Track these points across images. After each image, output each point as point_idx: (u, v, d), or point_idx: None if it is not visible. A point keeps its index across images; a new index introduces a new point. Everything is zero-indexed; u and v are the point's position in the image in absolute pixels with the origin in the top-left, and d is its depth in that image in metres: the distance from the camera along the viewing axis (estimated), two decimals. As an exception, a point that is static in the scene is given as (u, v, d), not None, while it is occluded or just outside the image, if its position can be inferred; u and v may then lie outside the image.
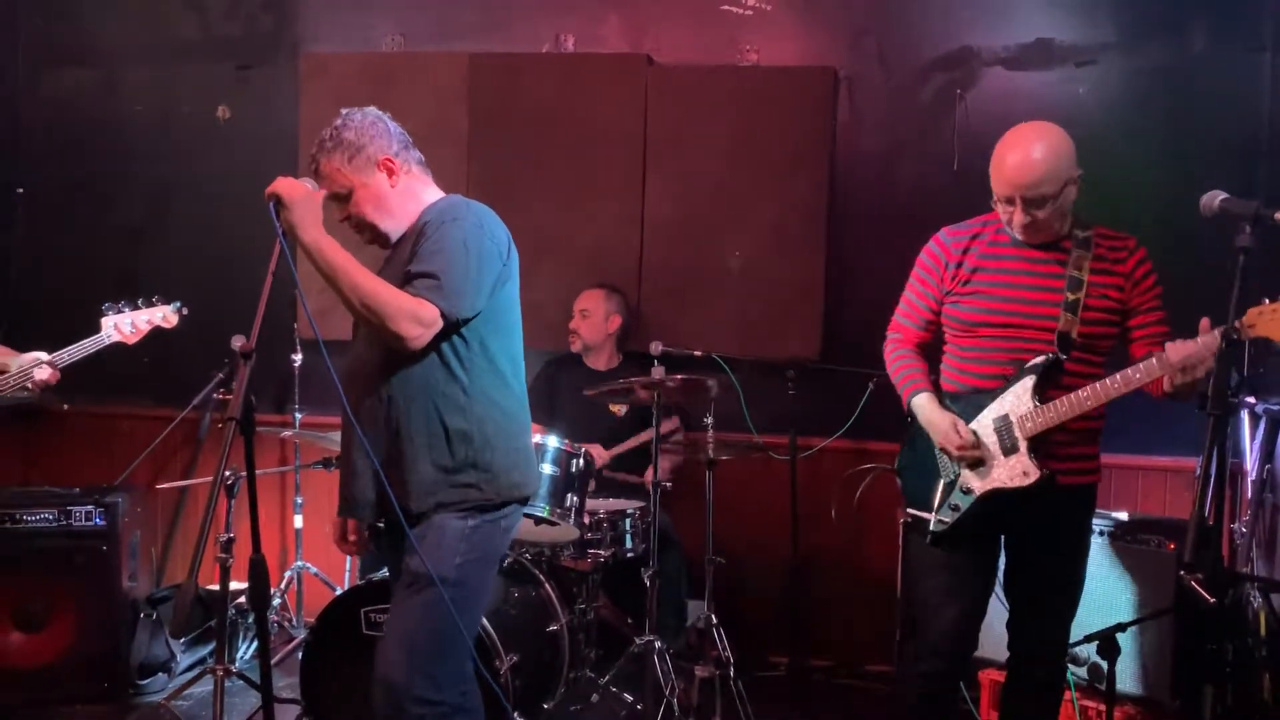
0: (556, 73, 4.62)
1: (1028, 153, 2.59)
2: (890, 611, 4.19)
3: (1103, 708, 3.03)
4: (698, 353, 4.14)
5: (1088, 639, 2.97)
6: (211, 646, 4.19)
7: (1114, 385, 2.54)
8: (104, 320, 3.30)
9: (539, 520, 3.40)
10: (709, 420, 3.71)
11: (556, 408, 4.22)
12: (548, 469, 3.40)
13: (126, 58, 5.01)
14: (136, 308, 3.35)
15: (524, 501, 2.62)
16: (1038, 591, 2.76)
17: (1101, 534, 3.43)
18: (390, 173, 2.53)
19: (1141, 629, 3.26)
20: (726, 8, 4.54)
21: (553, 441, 3.46)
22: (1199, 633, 3.03)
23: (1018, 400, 2.66)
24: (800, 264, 4.41)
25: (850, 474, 4.04)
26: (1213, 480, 2.13)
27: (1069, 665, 2.99)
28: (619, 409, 4.24)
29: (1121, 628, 2.95)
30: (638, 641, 3.50)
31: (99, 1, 5.02)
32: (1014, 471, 2.66)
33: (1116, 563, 3.39)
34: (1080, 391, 2.58)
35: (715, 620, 3.63)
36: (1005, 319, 2.70)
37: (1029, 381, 2.64)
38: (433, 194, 2.62)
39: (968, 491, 2.72)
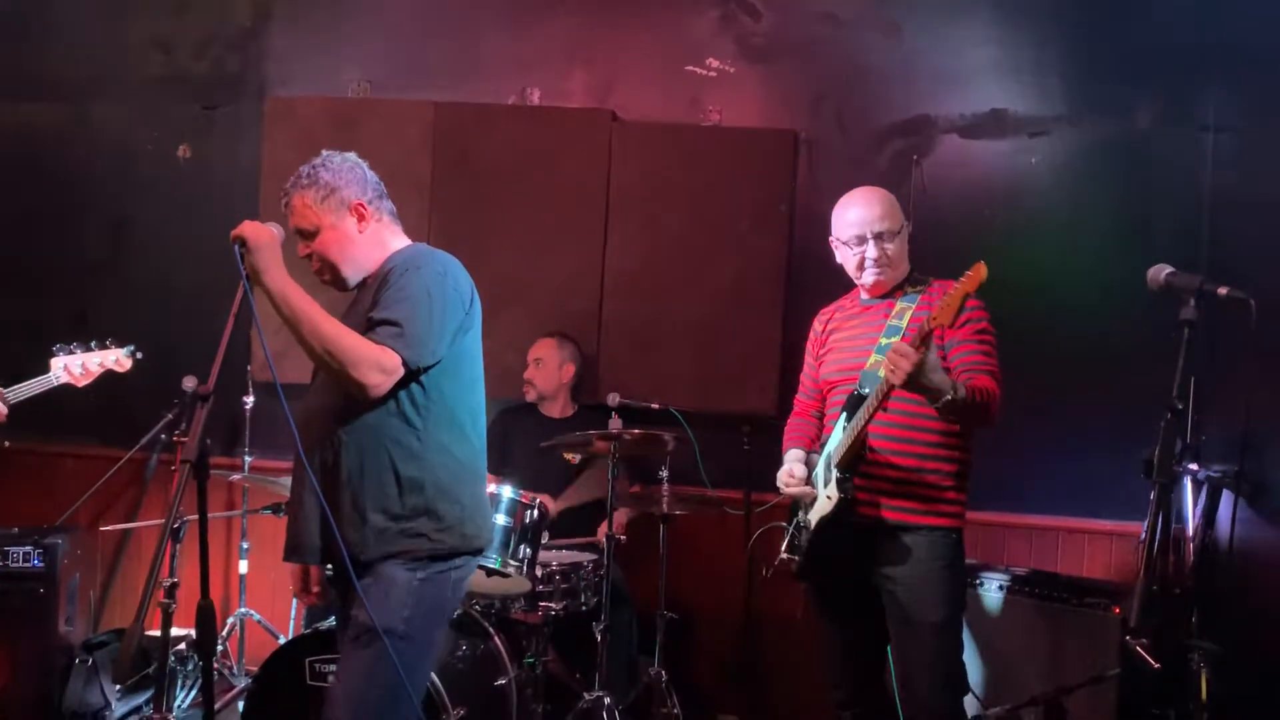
0: (521, 125, 4.66)
1: (868, 196, 2.98)
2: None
3: (1048, 771, 3.05)
4: (655, 405, 4.15)
5: (1032, 701, 2.99)
6: (148, 695, 4.07)
7: (875, 397, 2.67)
8: (54, 360, 3.22)
9: (490, 572, 3.37)
10: (664, 474, 3.71)
11: (510, 457, 4.20)
12: (501, 519, 3.38)
13: (90, 93, 4.97)
14: (89, 349, 3.26)
15: (477, 553, 2.59)
16: (897, 642, 2.84)
17: (1001, 588, 3.57)
18: (360, 218, 2.54)
19: (1087, 693, 3.28)
20: (691, 68, 4.63)
21: (507, 492, 3.44)
22: (1144, 698, 3.07)
23: (835, 436, 2.85)
24: (758, 320, 4.45)
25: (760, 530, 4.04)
26: (1157, 546, 2.17)
27: None
28: (573, 457, 4.23)
29: (1066, 690, 2.98)
30: (587, 697, 3.47)
31: (65, 36, 4.99)
32: (823, 499, 2.83)
33: (1061, 625, 3.43)
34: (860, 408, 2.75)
35: (666, 677, 3.61)
36: (840, 371, 2.96)
37: (841, 418, 2.84)
38: (400, 243, 2.63)
39: (807, 528, 2.90)
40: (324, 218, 2.52)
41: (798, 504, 3.00)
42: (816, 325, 3.16)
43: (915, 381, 2.54)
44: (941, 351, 2.77)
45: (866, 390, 2.77)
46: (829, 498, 2.80)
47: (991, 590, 3.67)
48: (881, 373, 2.61)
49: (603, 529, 3.75)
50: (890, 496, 2.80)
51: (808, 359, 3.17)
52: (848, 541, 2.83)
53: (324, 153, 2.59)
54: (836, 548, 2.85)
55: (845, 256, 2.99)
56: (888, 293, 2.96)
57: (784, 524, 3.11)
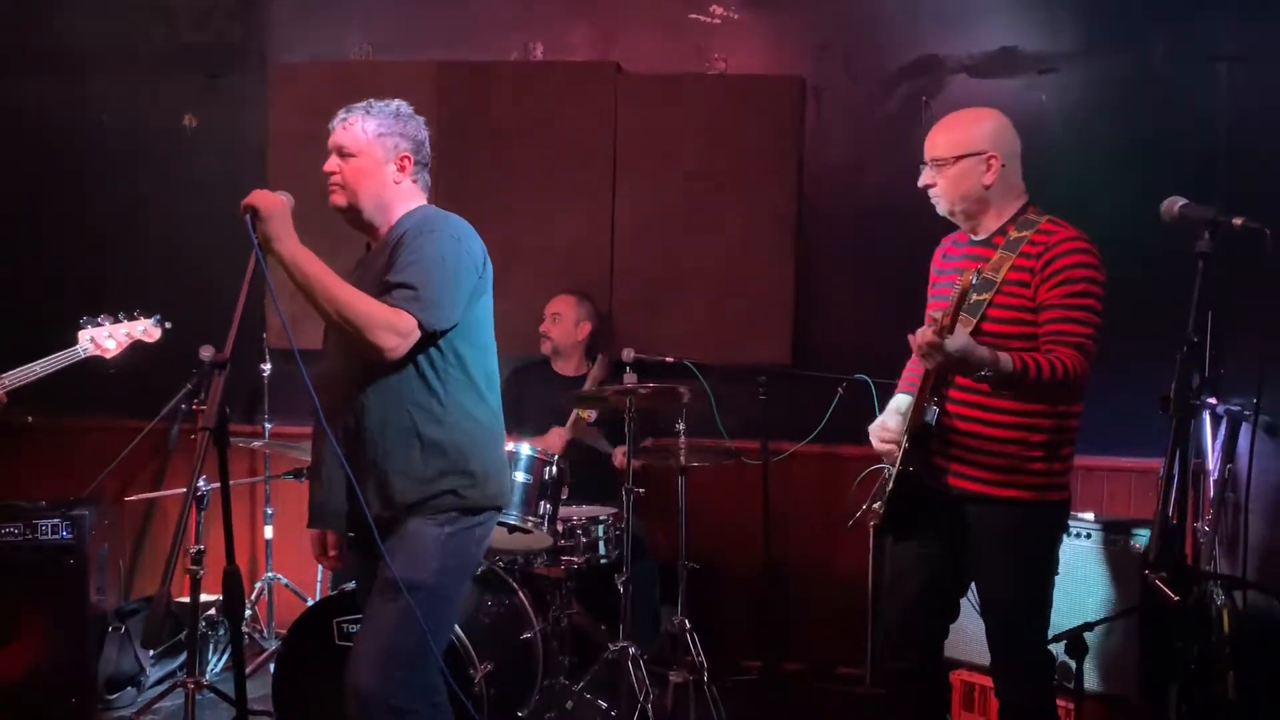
0: (525, 81, 4.63)
1: (950, 117, 2.75)
2: (862, 615, 4.23)
3: (1071, 706, 3.07)
4: (669, 359, 4.16)
5: (1055, 639, 3.01)
6: (181, 660, 4.15)
7: (929, 376, 2.56)
8: (80, 334, 3.23)
9: (512, 528, 3.40)
10: (681, 426, 3.72)
11: (524, 413, 4.22)
12: (520, 476, 3.40)
13: (94, 66, 4.95)
14: (116, 321, 3.27)
15: (499, 509, 2.62)
16: (983, 605, 2.73)
17: (1078, 535, 3.46)
18: (400, 169, 2.57)
19: (1108, 628, 3.31)
20: (694, 16, 4.57)
21: (525, 449, 3.46)
22: (1164, 631, 3.08)
23: (912, 403, 2.70)
24: (770, 270, 4.44)
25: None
26: (1176, 480, 2.17)
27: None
28: (589, 415, 4.25)
29: (1089, 627, 2.99)
30: (611, 648, 3.51)
31: (66, 10, 4.96)
32: (894, 467, 2.69)
33: (1083, 562, 3.44)
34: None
35: (689, 626, 3.65)
36: (930, 318, 2.75)
37: (920, 385, 2.65)
38: (417, 205, 2.63)
39: (888, 482, 2.74)
40: (372, 149, 2.54)
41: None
42: (935, 258, 2.92)
43: (950, 368, 2.45)
44: (1032, 312, 2.56)
45: None
46: (894, 464, 2.68)
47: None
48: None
49: (619, 452, 3.75)
50: (964, 464, 2.63)
51: (929, 292, 2.93)
52: (922, 508, 2.69)
53: (398, 100, 2.63)
54: (911, 512, 2.70)
55: None
56: (991, 233, 2.69)
57: (878, 467, 2.92)
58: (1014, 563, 2.64)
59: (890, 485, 2.71)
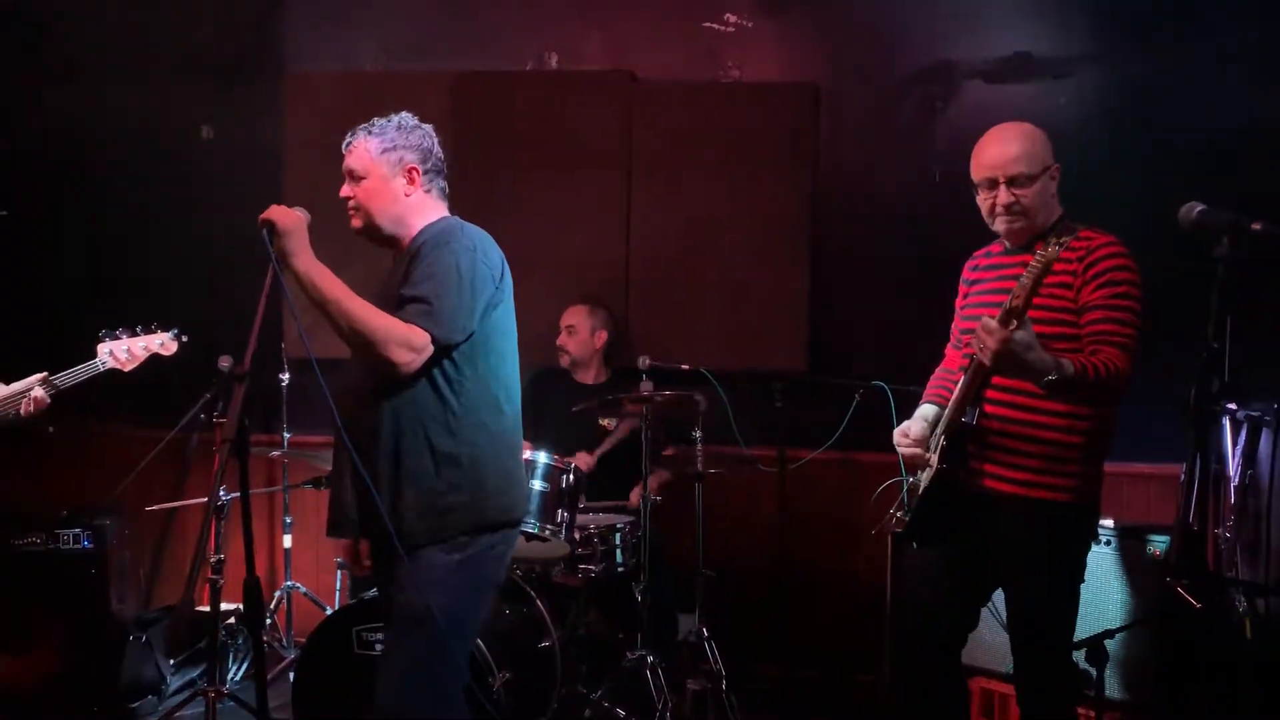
0: (540, 90, 4.64)
1: (1005, 133, 2.70)
2: (878, 621, 4.21)
3: (1092, 714, 3.06)
4: (685, 366, 4.15)
5: (1075, 645, 2.99)
6: (201, 668, 4.17)
7: (976, 374, 2.54)
8: (100, 346, 3.25)
9: (530, 536, 3.41)
10: (698, 434, 3.72)
11: (544, 422, 4.23)
12: (537, 485, 3.42)
13: (110, 77, 4.99)
14: (134, 334, 3.29)
15: (515, 525, 2.62)
16: (1010, 610, 2.70)
17: (1099, 541, 3.42)
18: (410, 181, 2.59)
19: (1129, 635, 3.29)
20: (709, 25, 4.58)
21: (542, 457, 3.47)
22: (1186, 639, 3.06)
23: (951, 403, 2.69)
24: (785, 276, 4.44)
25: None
26: (1196, 486, 2.15)
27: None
28: (609, 423, 4.25)
29: (1109, 634, 2.97)
30: (629, 656, 3.51)
31: (83, 20, 5.00)
32: (929, 467, 2.68)
33: (1104, 569, 3.42)
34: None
35: (706, 633, 3.65)
36: (971, 327, 2.70)
37: (961, 385, 2.64)
38: (437, 216, 2.65)
39: (916, 492, 2.75)
40: (378, 168, 2.57)
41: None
42: (965, 271, 2.91)
43: (1007, 362, 2.39)
44: (1073, 314, 2.58)
45: None
46: (932, 467, 2.66)
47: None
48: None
49: (635, 493, 3.78)
50: (1001, 466, 2.62)
51: (957, 307, 2.94)
52: (954, 509, 2.67)
53: (404, 113, 2.66)
54: (939, 516, 2.70)
55: (980, 200, 2.73)
56: (1028, 242, 2.69)
57: (904, 478, 2.92)
58: (1048, 566, 2.62)
59: (925, 484, 2.70)
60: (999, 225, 2.73)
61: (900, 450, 2.77)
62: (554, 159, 4.58)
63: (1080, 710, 3.18)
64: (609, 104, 4.55)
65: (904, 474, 2.83)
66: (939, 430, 2.71)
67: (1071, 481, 2.61)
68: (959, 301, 2.90)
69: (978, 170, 2.72)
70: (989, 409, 2.62)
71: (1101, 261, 2.58)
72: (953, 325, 2.97)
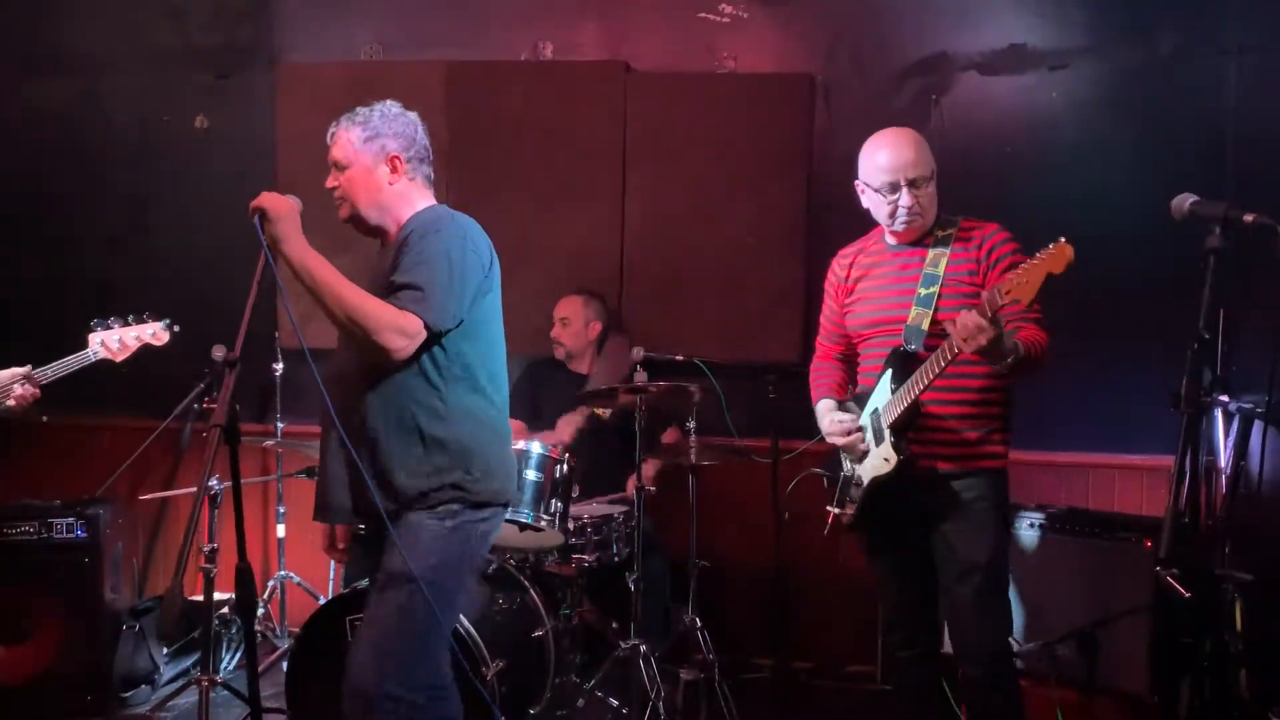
0: (534, 80, 4.63)
1: (899, 138, 2.85)
2: (872, 612, 4.22)
3: (1083, 702, 3.07)
4: (679, 357, 4.15)
5: (1067, 635, 3.01)
6: (195, 657, 4.18)
7: (935, 363, 2.65)
8: (91, 336, 3.23)
9: (523, 526, 3.41)
10: (691, 425, 3.73)
11: (541, 411, 4.23)
12: (531, 475, 3.41)
13: (103, 67, 4.97)
14: (126, 324, 3.28)
15: (504, 506, 2.63)
16: (949, 584, 2.81)
17: (1033, 526, 3.61)
18: (393, 170, 2.59)
19: (1120, 625, 3.30)
20: (704, 15, 4.57)
21: (536, 448, 3.47)
22: (1177, 628, 3.08)
23: (881, 393, 2.82)
24: (779, 268, 4.44)
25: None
26: (1188, 478, 2.16)
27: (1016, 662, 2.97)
28: (604, 412, 4.25)
29: (1100, 624, 2.99)
30: (623, 646, 3.52)
31: (76, 11, 4.98)
32: (879, 460, 2.80)
33: (1095, 559, 3.43)
34: (916, 372, 2.71)
35: (700, 624, 3.65)
36: (874, 319, 2.89)
37: (887, 374, 2.80)
38: (424, 204, 2.65)
39: (859, 484, 2.88)
40: (360, 158, 2.57)
41: (839, 454, 2.97)
42: (837, 268, 3.06)
43: (992, 350, 2.53)
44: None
45: (913, 347, 2.74)
46: (886, 460, 2.77)
47: (1024, 528, 3.68)
48: (953, 339, 2.56)
49: (631, 482, 3.78)
50: (943, 446, 2.78)
51: (828, 303, 3.09)
52: (903, 492, 2.81)
53: (387, 101, 2.66)
54: (892, 500, 2.83)
55: (875, 202, 2.87)
56: (918, 238, 2.87)
57: (818, 471, 3.08)
58: (992, 525, 2.80)
59: (875, 474, 2.81)
60: (899, 225, 2.85)
61: (843, 441, 2.89)
62: (548, 150, 4.57)
63: (1071, 698, 3.22)
64: (604, 95, 4.54)
65: (847, 466, 2.94)
66: (872, 422, 2.83)
67: (999, 448, 2.83)
68: (840, 299, 3.02)
69: (877, 175, 2.84)
70: (924, 395, 2.74)
71: (999, 247, 2.79)
72: (822, 318, 3.12)
